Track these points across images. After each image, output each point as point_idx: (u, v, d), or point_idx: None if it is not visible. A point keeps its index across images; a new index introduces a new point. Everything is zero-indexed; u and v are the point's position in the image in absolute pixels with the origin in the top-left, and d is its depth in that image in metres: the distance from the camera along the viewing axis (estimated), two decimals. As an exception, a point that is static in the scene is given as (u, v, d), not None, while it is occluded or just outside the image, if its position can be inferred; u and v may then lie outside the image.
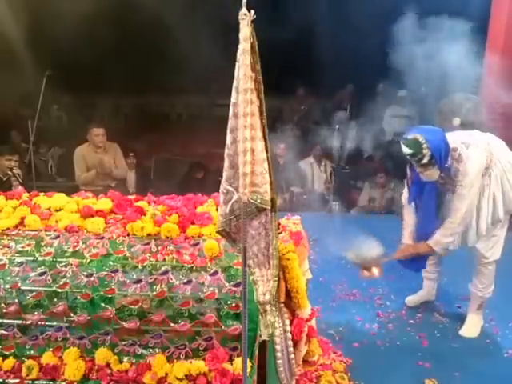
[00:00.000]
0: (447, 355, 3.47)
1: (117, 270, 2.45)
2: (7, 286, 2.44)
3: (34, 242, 2.60)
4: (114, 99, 10.70)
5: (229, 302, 2.36)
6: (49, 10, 7.23)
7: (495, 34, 6.03)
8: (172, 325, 2.36)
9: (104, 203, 2.93)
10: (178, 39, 7.25)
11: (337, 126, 7.51)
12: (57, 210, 2.87)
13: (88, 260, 2.49)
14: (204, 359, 2.33)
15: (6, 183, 5.48)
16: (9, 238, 2.65)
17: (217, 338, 2.37)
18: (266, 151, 1.88)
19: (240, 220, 1.92)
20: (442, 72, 5.06)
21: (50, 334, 2.44)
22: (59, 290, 2.42)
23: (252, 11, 1.66)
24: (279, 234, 2.57)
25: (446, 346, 3.60)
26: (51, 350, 2.44)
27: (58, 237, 2.64)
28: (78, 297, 2.40)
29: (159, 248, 2.54)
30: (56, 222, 2.76)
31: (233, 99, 1.79)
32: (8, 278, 2.46)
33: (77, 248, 2.55)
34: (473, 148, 3.32)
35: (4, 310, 2.44)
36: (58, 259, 2.51)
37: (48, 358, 2.42)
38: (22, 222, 2.77)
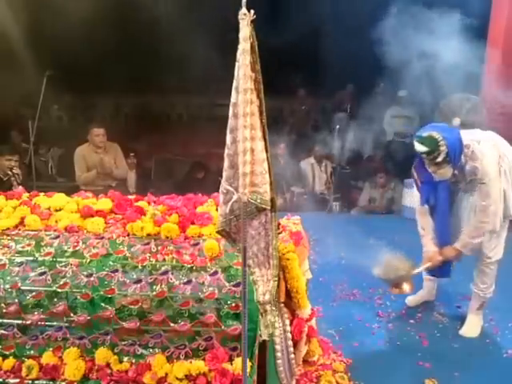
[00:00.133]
0: (447, 355, 3.47)
1: (117, 270, 2.46)
2: (7, 286, 2.44)
3: (33, 242, 2.60)
4: (115, 99, 10.71)
5: (229, 302, 2.36)
6: (49, 10, 7.23)
7: (495, 35, 6.03)
8: (172, 325, 2.36)
9: (104, 203, 2.93)
10: (178, 39, 7.25)
11: (337, 126, 7.51)
12: (57, 210, 2.87)
13: (88, 260, 2.49)
14: (204, 359, 2.33)
15: (6, 183, 5.48)
16: (9, 237, 2.66)
17: (217, 337, 2.37)
18: (266, 151, 1.88)
19: (240, 220, 1.92)
20: (442, 72, 5.06)
21: (49, 334, 2.44)
22: (59, 290, 2.42)
23: (252, 11, 1.66)
24: (279, 233, 2.57)
25: (446, 345, 3.59)
26: (51, 349, 2.44)
27: (57, 237, 2.64)
28: (78, 297, 2.40)
29: (159, 248, 2.54)
30: (56, 221, 2.76)
31: (233, 99, 1.79)
32: (8, 278, 2.46)
33: (77, 248, 2.56)
34: (484, 144, 3.30)
35: (4, 310, 2.44)
36: (58, 259, 2.51)
37: (48, 357, 2.42)
38: (21, 222, 2.78)
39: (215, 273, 2.43)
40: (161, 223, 2.65)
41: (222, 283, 2.40)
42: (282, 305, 2.48)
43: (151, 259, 2.48)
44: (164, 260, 2.48)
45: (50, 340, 2.45)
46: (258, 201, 1.88)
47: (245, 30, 1.67)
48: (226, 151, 1.88)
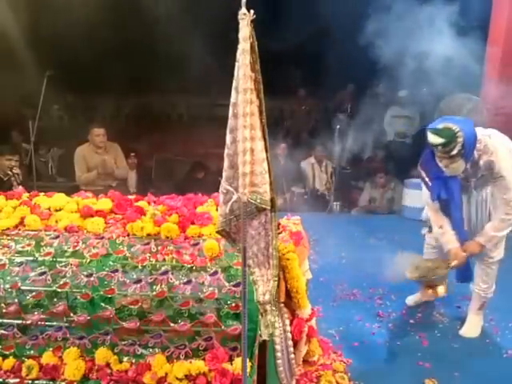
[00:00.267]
0: (447, 355, 3.47)
1: (117, 270, 2.46)
2: (7, 286, 2.44)
3: (33, 242, 2.60)
4: (115, 99, 10.71)
5: (229, 302, 2.36)
6: (50, 10, 7.24)
7: (496, 35, 6.03)
8: (172, 325, 2.36)
9: (104, 203, 2.93)
10: (178, 39, 7.26)
11: (337, 127, 7.51)
12: (57, 210, 2.87)
13: (88, 260, 2.49)
14: (204, 359, 2.33)
15: (7, 183, 5.49)
16: (9, 237, 2.66)
17: (217, 337, 2.37)
18: (266, 151, 1.88)
19: (240, 220, 1.91)
20: (442, 72, 5.06)
21: (49, 334, 2.44)
22: (59, 290, 2.42)
23: (251, 11, 1.66)
24: (279, 234, 2.57)
25: (446, 345, 3.59)
26: (51, 349, 2.44)
27: (57, 237, 2.64)
28: (78, 297, 2.40)
29: (159, 248, 2.54)
30: (56, 221, 2.76)
31: (232, 99, 1.79)
32: (8, 278, 2.46)
33: (77, 248, 2.55)
34: (495, 138, 3.27)
35: (4, 310, 2.44)
36: (58, 259, 2.51)
37: (48, 357, 2.42)
38: (21, 222, 2.78)
39: (215, 273, 2.43)
40: (161, 223, 2.65)
41: (222, 283, 2.40)
42: (282, 305, 2.48)
43: (151, 259, 2.48)
44: (164, 260, 2.48)
45: (49, 340, 2.45)
46: (258, 201, 1.87)
47: (244, 30, 1.67)
48: (226, 151, 1.88)
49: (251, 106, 1.76)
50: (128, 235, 2.64)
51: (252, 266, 2.10)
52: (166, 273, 2.44)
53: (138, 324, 2.37)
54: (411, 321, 3.95)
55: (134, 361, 2.40)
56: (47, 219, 2.79)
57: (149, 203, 3.00)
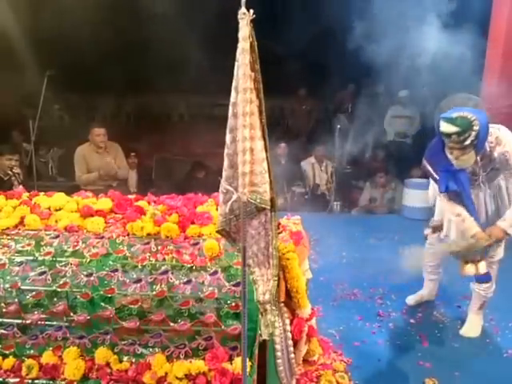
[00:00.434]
0: (447, 355, 3.47)
1: (116, 270, 2.45)
2: (7, 286, 2.44)
3: (33, 242, 2.60)
4: (115, 99, 10.72)
5: (228, 302, 2.36)
6: (50, 10, 7.24)
7: (496, 34, 6.02)
8: (172, 324, 2.36)
9: (104, 203, 2.93)
10: (178, 39, 7.26)
11: (338, 126, 7.51)
12: (57, 210, 2.87)
13: (88, 260, 2.49)
14: (204, 359, 2.33)
15: (7, 183, 5.49)
16: (9, 237, 2.65)
17: (216, 337, 2.37)
18: (266, 150, 1.87)
19: (240, 219, 1.91)
20: (443, 72, 5.06)
21: (49, 334, 2.44)
22: (59, 290, 2.42)
23: (251, 10, 1.66)
24: (279, 233, 2.56)
25: (447, 345, 3.60)
26: (51, 349, 2.44)
27: (57, 236, 2.64)
28: (78, 296, 2.40)
29: (159, 248, 2.54)
30: (56, 221, 2.76)
31: (232, 98, 1.78)
32: (8, 278, 2.46)
33: (77, 248, 2.55)
34: (504, 130, 3.25)
35: (4, 310, 2.44)
36: (58, 259, 2.51)
37: (48, 357, 2.42)
38: (21, 222, 2.77)
39: (215, 272, 2.43)
40: (161, 223, 2.65)
41: (222, 283, 2.40)
42: (282, 304, 2.48)
43: (151, 259, 2.48)
44: (164, 260, 2.48)
45: (49, 339, 2.45)
46: (258, 200, 1.87)
47: (244, 30, 1.67)
48: (226, 151, 1.87)
49: (251, 105, 1.76)
50: (128, 235, 2.64)
51: (252, 265, 2.10)
52: (165, 272, 2.44)
53: (138, 323, 2.37)
54: (411, 320, 3.95)
55: (133, 360, 2.40)
56: (47, 219, 2.79)
57: (149, 203, 3.00)
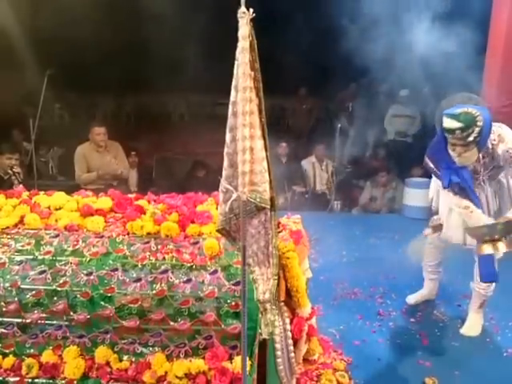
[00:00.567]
0: (447, 354, 3.47)
1: (116, 269, 2.45)
2: (7, 285, 2.44)
3: (33, 241, 2.60)
4: (116, 98, 10.73)
5: (228, 301, 2.36)
6: (50, 8, 7.24)
7: (496, 34, 6.01)
8: (172, 323, 2.36)
9: (104, 202, 2.93)
10: (179, 38, 7.26)
11: (339, 125, 7.51)
12: (56, 209, 2.87)
13: (88, 259, 2.49)
14: (204, 358, 2.33)
15: (7, 182, 5.49)
16: (9, 236, 2.65)
17: (216, 336, 2.37)
18: (265, 150, 1.87)
19: (239, 218, 1.91)
20: (443, 72, 5.06)
21: (49, 333, 2.44)
22: (59, 289, 2.42)
23: (251, 9, 1.66)
24: (279, 232, 2.56)
25: (447, 344, 3.60)
26: (51, 348, 2.44)
27: (57, 235, 2.63)
28: (78, 295, 2.40)
29: (159, 247, 2.54)
30: (56, 220, 2.76)
31: (232, 98, 1.78)
32: (8, 277, 2.47)
33: (76, 247, 2.55)
34: (505, 127, 3.24)
35: (4, 309, 2.44)
36: (58, 258, 2.51)
37: (48, 356, 2.42)
38: (21, 221, 2.77)
39: (215, 271, 2.43)
40: (161, 222, 2.65)
41: (222, 282, 2.40)
42: (282, 303, 2.48)
43: (151, 258, 2.48)
44: (164, 259, 2.48)
45: (49, 338, 2.45)
46: (258, 200, 1.87)
47: (244, 29, 1.67)
48: (226, 150, 1.87)
49: (251, 104, 1.75)
50: (128, 234, 2.64)
51: (252, 264, 2.09)
52: (165, 271, 2.43)
53: (138, 323, 2.37)
54: (412, 319, 3.95)
55: (133, 359, 2.40)
56: (47, 218, 2.79)
57: (149, 202, 3.00)
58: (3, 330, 2.46)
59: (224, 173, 1.92)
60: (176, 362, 2.34)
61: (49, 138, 8.04)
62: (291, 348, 2.55)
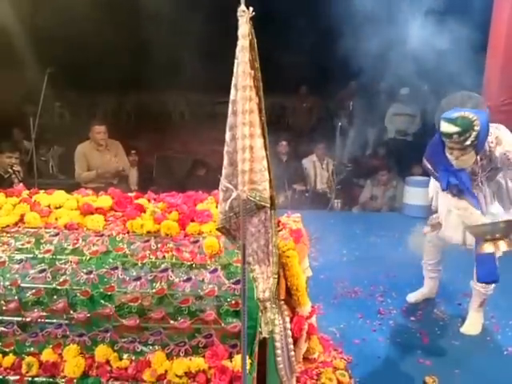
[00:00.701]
0: (448, 352, 3.47)
1: (116, 268, 2.45)
2: (7, 284, 2.44)
3: (33, 240, 2.60)
4: (116, 97, 10.72)
5: (228, 300, 2.35)
6: (51, 7, 7.24)
7: (497, 33, 6.01)
8: (172, 322, 2.36)
9: (104, 201, 2.92)
10: (179, 37, 7.25)
11: (339, 124, 7.51)
12: (56, 208, 2.86)
13: (88, 257, 2.49)
14: (204, 356, 2.33)
15: (7, 181, 5.49)
16: (8, 235, 2.65)
17: (216, 335, 2.36)
18: (265, 148, 1.87)
19: (239, 217, 1.91)
20: (444, 70, 5.05)
21: (49, 331, 2.44)
22: (59, 288, 2.42)
23: (251, 8, 1.66)
24: (279, 231, 2.56)
25: (447, 343, 3.60)
26: (51, 346, 2.44)
27: (57, 234, 2.63)
28: (78, 294, 2.40)
29: (159, 245, 2.53)
30: (56, 219, 2.76)
31: (232, 96, 1.78)
32: (8, 276, 2.46)
33: (76, 245, 2.55)
34: (503, 129, 3.25)
35: (4, 307, 2.44)
36: (58, 256, 2.50)
37: (48, 354, 2.41)
38: (21, 220, 2.76)
39: (215, 270, 2.43)
40: (161, 221, 2.64)
41: (222, 280, 2.39)
42: (282, 302, 2.48)
43: (151, 256, 2.48)
44: (164, 257, 2.47)
45: (49, 337, 2.45)
46: (257, 198, 1.87)
47: (244, 27, 1.67)
48: (226, 148, 1.87)
49: (250, 103, 1.75)
50: (128, 232, 2.63)
51: (252, 263, 2.09)
52: (165, 270, 2.43)
53: (138, 321, 2.37)
54: (412, 318, 3.95)
55: (133, 358, 2.39)
56: (47, 216, 2.78)
57: (149, 201, 2.99)
58: (3, 329, 2.46)
59: (224, 171, 1.91)
60: (176, 360, 2.33)
61: (49, 136, 8.04)
62: (291, 347, 2.55)
